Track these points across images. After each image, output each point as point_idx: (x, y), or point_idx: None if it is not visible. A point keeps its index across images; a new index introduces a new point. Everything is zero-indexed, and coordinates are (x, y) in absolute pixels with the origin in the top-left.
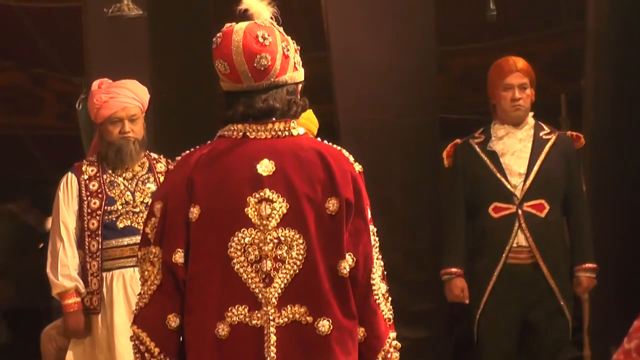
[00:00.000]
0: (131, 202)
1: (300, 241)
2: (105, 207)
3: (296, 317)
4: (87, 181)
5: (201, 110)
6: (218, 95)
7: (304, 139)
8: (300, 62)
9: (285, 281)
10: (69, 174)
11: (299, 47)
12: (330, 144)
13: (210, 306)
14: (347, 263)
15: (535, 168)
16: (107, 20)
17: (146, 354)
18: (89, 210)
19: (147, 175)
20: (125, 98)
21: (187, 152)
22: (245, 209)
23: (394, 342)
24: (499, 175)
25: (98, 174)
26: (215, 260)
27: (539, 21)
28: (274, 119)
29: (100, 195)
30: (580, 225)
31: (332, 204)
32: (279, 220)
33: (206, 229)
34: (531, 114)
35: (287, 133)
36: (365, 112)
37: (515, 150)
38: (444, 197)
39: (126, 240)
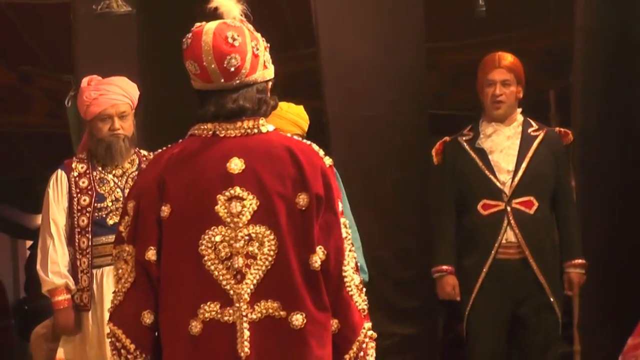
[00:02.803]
0: (121, 198)
1: (272, 237)
2: (95, 204)
3: (270, 312)
4: (77, 178)
5: (190, 107)
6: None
7: (273, 136)
8: (270, 60)
9: (258, 277)
10: (59, 171)
11: (268, 45)
12: (301, 139)
13: (182, 303)
14: (318, 257)
15: (524, 165)
16: (96, 17)
17: (122, 351)
18: (79, 207)
19: (136, 172)
20: (114, 95)
21: (159, 151)
22: (216, 207)
23: (370, 332)
24: (487, 172)
25: (88, 171)
26: (186, 258)
27: (528, 18)
28: (244, 117)
29: (90, 192)
30: (569, 221)
31: (302, 199)
32: (249, 217)
33: (177, 227)
34: (519, 110)
35: (256, 130)
36: (354, 108)
37: (504, 147)
38: (433, 194)
39: None
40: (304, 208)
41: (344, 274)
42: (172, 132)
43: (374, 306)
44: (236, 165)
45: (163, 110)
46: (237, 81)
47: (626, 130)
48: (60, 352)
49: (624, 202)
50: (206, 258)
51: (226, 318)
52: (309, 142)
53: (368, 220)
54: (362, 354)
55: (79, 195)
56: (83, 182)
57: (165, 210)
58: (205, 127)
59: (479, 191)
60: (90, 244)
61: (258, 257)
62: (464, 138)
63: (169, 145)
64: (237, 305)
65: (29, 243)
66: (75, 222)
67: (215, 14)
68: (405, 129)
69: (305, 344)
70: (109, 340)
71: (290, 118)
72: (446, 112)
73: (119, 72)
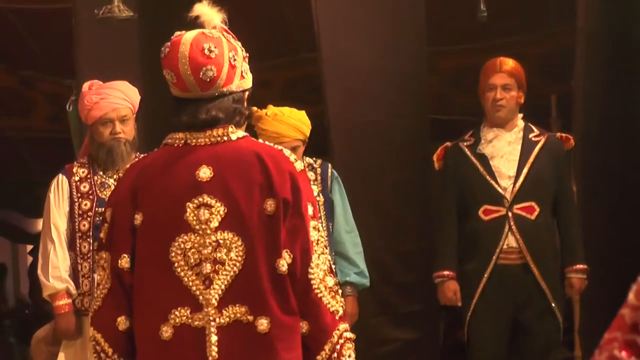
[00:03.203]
0: None
1: (239, 243)
2: (96, 209)
3: (237, 316)
4: (78, 183)
5: None
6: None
7: (242, 143)
8: (248, 70)
9: (226, 282)
10: (60, 175)
11: (247, 55)
12: (272, 144)
13: (154, 309)
14: (284, 260)
15: (525, 170)
16: (98, 22)
17: (102, 354)
18: (80, 212)
19: None
20: (115, 99)
21: (135, 160)
22: (185, 215)
23: (346, 334)
24: (488, 178)
25: (89, 176)
26: (157, 264)
27: (529, 22)
28: (215, 126)
29: (91, 197)
30: (570, 226)
31: (269, 205)
32: (217, 224)
33: (149, 235)
34: (520, 115)
35: (225, 138)
36: (355, 113)
37: (505, 153)
38: (434, 199)
39: None
40: (271, 214)
41: (310, 276)
42: None
43: (375, 310)
44: (205, 173)
45: (164, 114)
46: (214, 91)
47: (627, 134)
48: (62, 357)
49: (625, 206)
50: (176, 264)
51: (196, 323)
52: (279, 148)
53: (369, 223)
54: (335, 354)
55: (80, 199)
56: (84, 187)
57: (138, 218)
58: (177, 136)
59: (480, 197)
60: (91, 248)
61: (226, 263)
62: (465, 144)
63: (144, 155)
64: (206, 310)
65: (29, 247)
66: (77, 227)
67: (196, 23)
68: (406, 131)
69: (272, 348)
70: (91, 343)
71: (292, 123)
72: (448, 117)
73: (120, 76)
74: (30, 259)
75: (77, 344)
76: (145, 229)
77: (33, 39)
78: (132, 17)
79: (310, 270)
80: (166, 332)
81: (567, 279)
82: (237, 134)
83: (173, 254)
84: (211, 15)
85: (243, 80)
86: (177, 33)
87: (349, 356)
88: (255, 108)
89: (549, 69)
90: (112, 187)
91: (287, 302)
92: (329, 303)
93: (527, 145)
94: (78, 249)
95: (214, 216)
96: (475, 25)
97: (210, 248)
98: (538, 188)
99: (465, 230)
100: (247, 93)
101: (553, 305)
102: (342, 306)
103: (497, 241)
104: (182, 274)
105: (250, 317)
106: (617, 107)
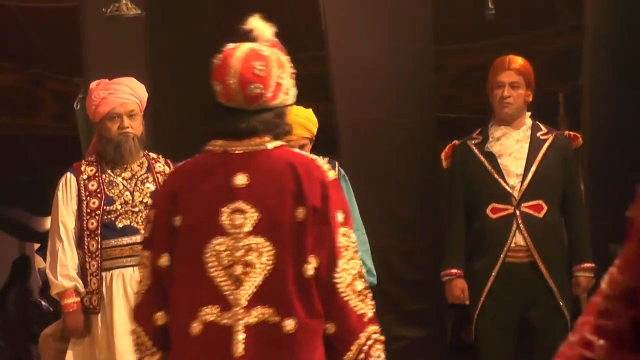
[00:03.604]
0: (130, 202)
1: (270, 248)
2: (105, 207)
3: (265, 317)
4: (86, 181)
5: (199, 110)
6: (215, 96)
7: (278, 152)
8: (292, 85)
9: (256, 284)
10: (68, 174)
11: (294, 71)
12: (306, 153)
13: (186, 306)
14: (311, 265)
15: (533, 169)
16: (106, 21)
17: (142, 347)
18: (88, 210)
19: (146, 175)
20: (123, 94)
21: (179, 164)
22: (221, 219)
23: (375, 336)
24: (497, 176)
25: (97, 174)
26: (192, 264)
27: (537, 20)
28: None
29: (99, 195)
30: (578, 225)
31: (300, 213)
32: (250, 229)
33: (187, 236)
34: (529, 114)
35: (262, 147)
36: (363, 111)
37: (513, 151)
38: (442, 197)
39: (126, 240)
40: (301, 221)
41: (335, 280)
42: (181, 134)
43: (383, 309)
44: (241, 180)
45: (172, 112)
46: (258, 106)
47: (635, 133)
48: (70, 355)
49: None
50: (210, 265)
51: (225, 321)
52: (314, 157)
53: (376, 222)
54: (363, 355)
55: (88, 198)
56: (92, 185)
57: (178, 220)
58: (218, 143)
59: (488, 195)
60: (99, 247)
61: (256, 266)
62: (473, 142)
63: (187, 160)
64: (235, 309)
65: (37, 246)
66: (85, 225)
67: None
68: (414, 130)
69: (296, 348)
70: (133, 336)
71: (299, 121)
72: (456, 115)
73: (128, 74)
74: (37, 257)
75: (86, 342)
76: (184, 230)
77: (41, 38)
78: (139, 15)
79: (335, 275)
80: (196, 328)
81: (574, 277)
82: (273, 143)
83: (208, 255)
84: (264, 29)
85: (287, 96)
86: (231, 45)
87: (379, 357)
88: None
89: (556, 68)
90: (120, 186)
91: (313, 305)
92: (356, 306)
93: (535, 144)
94: (86, 247)
95: (247, 221)
96: (483, 24)
97: (242, 251)
98: (546, 186)
99: (473, 229)
100: (289, 108)
101: (561, 304)
102: (371, 309)
103: (505, 240)
104: (215, 274)
105: (277, 319)
106: (625, 106)
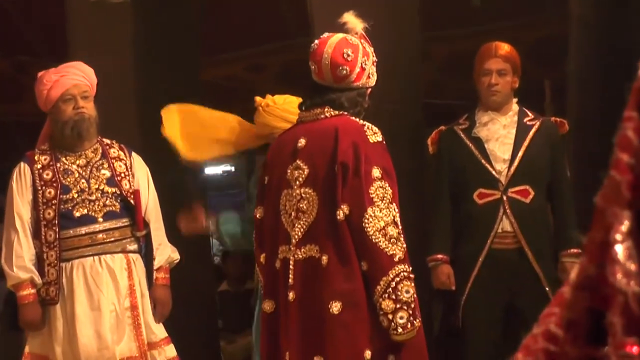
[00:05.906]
0: (86, 189)
1: (315, 196)
2: (61, 196)
3: (310, 253)
4: (41, 170)
5: (185, 96)
6: (202, 82)
7: (332, 120)
8: (374, 71)
9: (304, 226)
10: (22, 163)
11: (376, 60)
12: (360, 121)
13: (271, 246)
14: (342, 211)
15: (520, 154)
16: (91, 6)
17: (260, 284)
18: (44, 200)
19: (101, 161)
20: (75, 76)
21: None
22: (287, 175)
23: (404, 273)
24: (483, 161)
25: (51, 163)
26: (273, 212)
27: (524, 7)
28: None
29: (55, 184)
30: (564, 211)
31: (335, 168)
32: (302, 181)
33: (270, 191)
34: (515, 100)
35: (322, 116)
36: None
37: (500, 136)
38: (427, 183)
39: (84, 230)
40: (337, 174)
41: (364, 225)
42: None
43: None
44: (301, 143)
45: (155, 98)
46: (344, 84)
47: (622, 120)
48: (28, 347)
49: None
50: (282, 212)
51: (286, 256)
52: (362, 123)
53: None
54: (390, 289)
55: (43, 187)
56: (47, 174)
57: (267, 179)
58: (300, 115)
59: (475, 180)
60: (57, 236)
61: (305, 212)
62: (459, 127)
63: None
64: (290, 247)
65: None
66: (41, 215)
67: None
68: (400, 116)
69: (332, 278)
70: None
71: (278, 114)
72: (442, 101)
73: (113, 60)
74: None
75: (44, 334)
76: (268, 186)
77: (26, 23)
78: (125, 1)
79: (365, 220)
80: (277, 263)
81: (560, 263)
82: (331, 112)
83: (280, 204)
84: (355, 23)
85: (369, 80)
86: (327, 34)
87: (406, 292)
88: (258, 98)
89: (542, 54)
90: (75, 174)
91: (345, 244)
92: (386, 247)
93: (522, 129)
94: (43, 237)
95: (301, 175)
96: (469, 10)
97: (296, 199)
98: (533, 172)
99: (460, 214)
100: (369, 90)
101: (547, 289)
102: (402, 250)
103: (491, 225)
104: (283, 219)
105: (318, 255)
106: (612, 93)
